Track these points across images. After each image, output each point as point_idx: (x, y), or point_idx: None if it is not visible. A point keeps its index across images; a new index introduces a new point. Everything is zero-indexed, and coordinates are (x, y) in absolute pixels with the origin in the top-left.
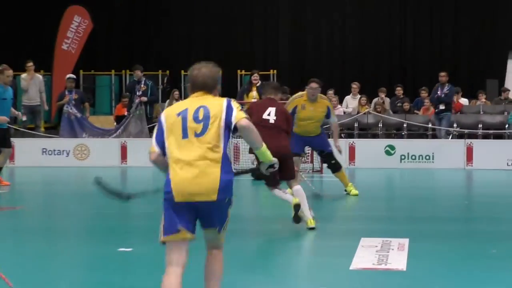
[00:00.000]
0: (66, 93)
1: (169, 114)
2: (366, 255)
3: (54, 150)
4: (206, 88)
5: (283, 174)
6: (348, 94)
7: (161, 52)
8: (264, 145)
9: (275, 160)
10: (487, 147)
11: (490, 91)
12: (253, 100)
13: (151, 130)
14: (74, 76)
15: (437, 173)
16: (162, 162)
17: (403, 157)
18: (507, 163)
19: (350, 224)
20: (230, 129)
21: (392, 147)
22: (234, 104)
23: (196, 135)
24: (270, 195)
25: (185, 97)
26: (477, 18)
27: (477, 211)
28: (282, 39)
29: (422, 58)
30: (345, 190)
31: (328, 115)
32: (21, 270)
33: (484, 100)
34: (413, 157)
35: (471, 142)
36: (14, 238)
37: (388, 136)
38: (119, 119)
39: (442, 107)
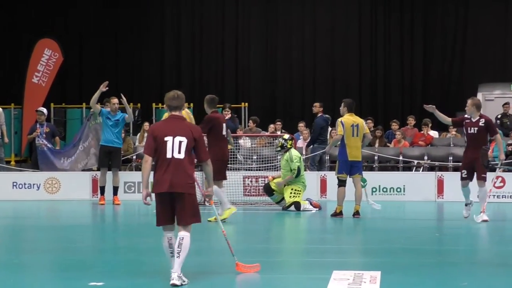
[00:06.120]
0: (38, 126)
1: None
2: None
3: (25, 184)
4: None
5: None
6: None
7: (132, 85)
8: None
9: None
10: (457, 180)
11: None
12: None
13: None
14: (44, 109)
15: (408, 205)
16: None
17: (374, 189)
18: (477, 195)
19: (321, 257)
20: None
21: (363, 180)
22: None
23: None
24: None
25: None
26: (447, 51)
27: (448, 243)
28: (254, 72)
29: (393, 91)
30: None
31: None
32: None
33: (454, 132)
34: (385, 190)
35: (441, 175)
36: None
37: None
38: None
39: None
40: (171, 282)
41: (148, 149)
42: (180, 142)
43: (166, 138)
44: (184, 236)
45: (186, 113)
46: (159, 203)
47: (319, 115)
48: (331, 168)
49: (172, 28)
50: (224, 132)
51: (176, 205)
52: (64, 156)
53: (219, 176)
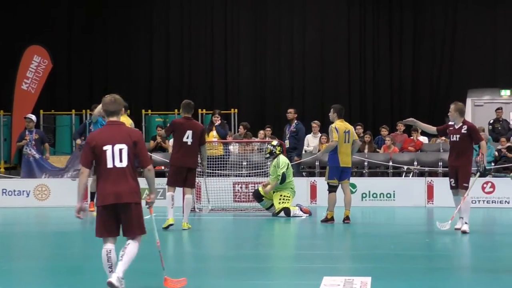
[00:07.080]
0: (27, 133)
1: None
2: None
3: (14, 191)
4: None
5: None
6: (309, 133)
7: (121, 92)
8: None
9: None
10: (447, 185)
11: None
12: (213, 139)
13: None
14: (32, 116)
15: (398, 211)
16: None
17: (364, 195)
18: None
19: (312, 263)
20: None
21: (353, 186)
22: None
23: None
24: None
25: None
26: (436, 55)
27: (438, 249)
28: (242, 78)
29: (382, 96)
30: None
31: None
32: None
33: (443, 138)
34: (374, 195)
35: (431, 180)
36: None
37: None
38: None
39: (287, 145)
40: (108, 280)
41: (85, 160)
42: (121, 150)
43: (105, 147)
44: (130, 242)
45: (126, 118)
46: (103, 215)
47: (295, 121)
48: (321, 174)
49: (160, 35)
50: (185, 139)
51: (121, 216)
52: (47, 173)
53: (169, 182)
